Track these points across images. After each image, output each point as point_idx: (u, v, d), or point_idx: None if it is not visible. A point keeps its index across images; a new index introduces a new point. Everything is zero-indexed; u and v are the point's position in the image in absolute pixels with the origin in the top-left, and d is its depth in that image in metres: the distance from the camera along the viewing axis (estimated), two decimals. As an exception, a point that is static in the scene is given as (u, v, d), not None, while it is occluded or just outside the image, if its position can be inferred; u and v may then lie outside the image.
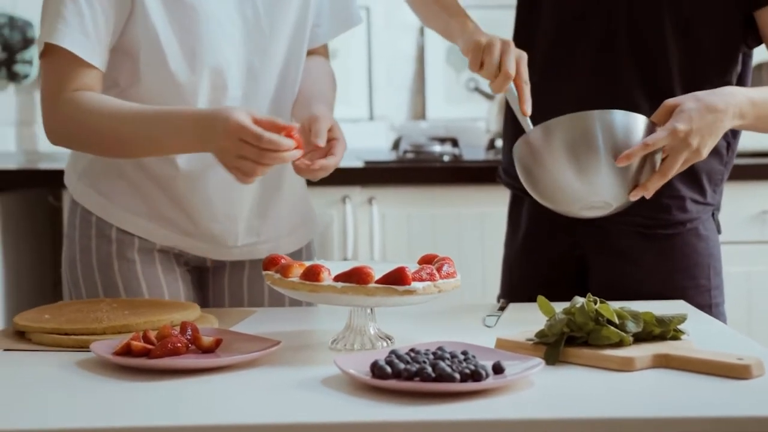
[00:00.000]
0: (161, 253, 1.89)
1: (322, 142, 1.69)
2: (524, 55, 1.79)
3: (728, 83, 1.92)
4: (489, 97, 3.66)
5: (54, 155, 3.70)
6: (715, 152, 1.97)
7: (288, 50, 1.86)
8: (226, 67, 1.80)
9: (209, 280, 1.97)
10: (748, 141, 2.16)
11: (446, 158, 3.32)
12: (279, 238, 1.95)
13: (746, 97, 1.76)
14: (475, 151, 3.57)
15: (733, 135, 1.99)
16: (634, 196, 1.72)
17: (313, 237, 2.04)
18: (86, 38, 1.72)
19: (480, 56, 1.77)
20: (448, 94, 3.86)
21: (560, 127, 1.69)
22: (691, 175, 1.95)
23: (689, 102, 1.71)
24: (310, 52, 1.95)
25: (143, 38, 1.76)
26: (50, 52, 1.74)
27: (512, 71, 1.74)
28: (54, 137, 1.77)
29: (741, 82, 1.97)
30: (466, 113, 3.83)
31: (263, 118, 1.59)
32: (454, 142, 3.47)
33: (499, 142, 3.47)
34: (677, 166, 1.71)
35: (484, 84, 3.73)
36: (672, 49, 1.90)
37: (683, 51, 1.91)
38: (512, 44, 1.79)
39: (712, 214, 2.02)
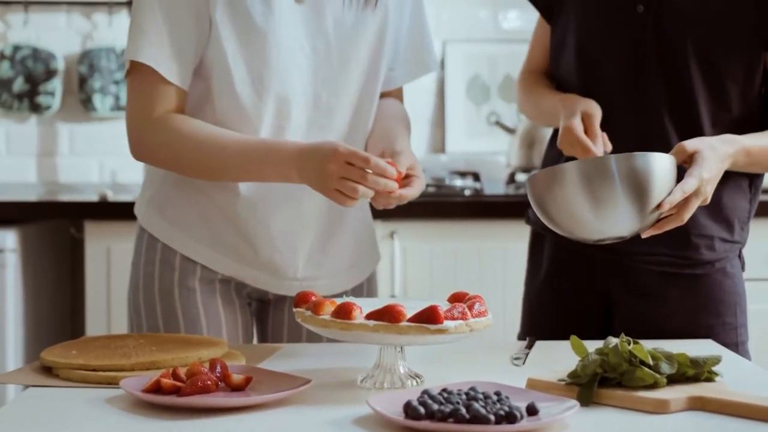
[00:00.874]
0: (222, 283, 1.90)
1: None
2: (593, 116, 1.86)
3: (751, 121, 1.94)
4: (509, 130, 3.66)
5: (75, 186, 3.71)
6: (739, 189, 1.97)
7: (361, 88, 1.88)
8: (292, 96, 1.82)
9: (270, 313, 1.98)
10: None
11: (467, 192, 3.32)
12: (339, 274, 1.95)
13: (743, 147, 1.83)
14: (494, 185, 3.56)
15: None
16: (647, 235, 1.74)
17: (374, 269, 2.04)
18: (169, 57, 1.76)
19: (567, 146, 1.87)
20: (468, 127, 3.86)
21: (577, 167, 1.69)
22: (719, 214, 1.95)
23: (707, 150, 1.75)
24: (384, 95, 1.97)
25: (215, 60, 1.79)
26: (135, 69, 1.79)
27: (597, 150, 1.82)
28: (140, 155, 1.83)
29: (765, 121, 1.97)
30: (486, 147, 3.82)
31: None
32: (476, 176, 3.47)
33: (519, 176, 3.47)
34: (693, 212, 1.74)
35: (505, 118, 3.73)
36: (699, 90, 1.91)
37: (710, 92, 1.92)
38: (575, 124, 1.84)
39: (739, 252, 2.02)
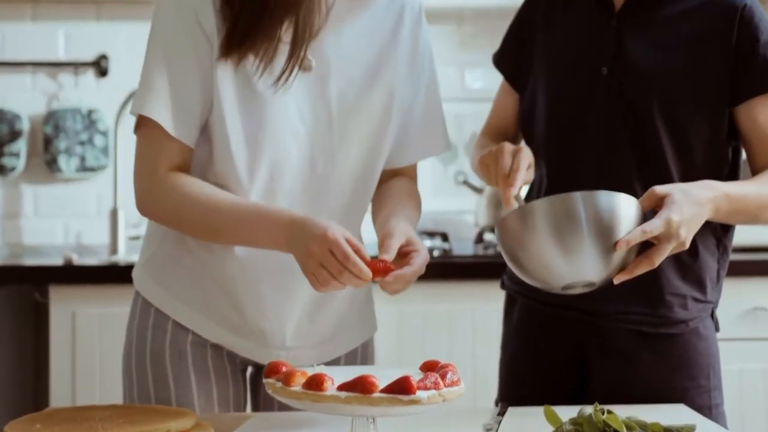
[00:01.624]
0: (214, 348, 1.89)
1: (388, 257, 1.69)
2: (519, 151, 1.81)
3: (720, 176, 1.94)
4: (477, 190, 3.66)
5: (39, 248, 3.67)
6: (706, 249, 1.97)
7: (362, 161, 1.87)
8: (286, 160, 1.81)
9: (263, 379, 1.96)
10: (739, 236, 2.15)
11: (436, 253, 3.31)
12: (327, 343, 1.93)
13: (724, 193, 1.82)
14: (463, 244, 3.56)
15: (723, 230, 2.00)
16: (619, 280, 1.72)
17: (370, 336, 2.02)
18: (173, 113, 1.77)
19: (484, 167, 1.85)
20: (435, 186, 3.86)
21: (543, 206, 1.69)
22: (689, 274, 1.96)
23: (678, 193, 1.75)
24: (396, 173, 1.96)
25: (216, 121, 1.79)
26: (142, 124, 1.80)
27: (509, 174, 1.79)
28: (145, 211, 1.83)
29: (733, 174, 1.98)
30: (454, 206, 3.82)
31: (355, 243, 1.64)
32: (444, 237, 3.46)
33: (487, 236, 3.47)
34: (665, 255, 1.73)
35: (472, 177, 3.74)
36: (668, 149, 1.92)
37: (678, 151, 1.93)
38: (504, 149, 1.82)
39: (711, 312, 2.02)
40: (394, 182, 1.95)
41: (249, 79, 1.78)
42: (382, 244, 1.71)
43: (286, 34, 1.76)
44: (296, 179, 1.83)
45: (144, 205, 1.82)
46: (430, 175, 3.85)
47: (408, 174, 1.99)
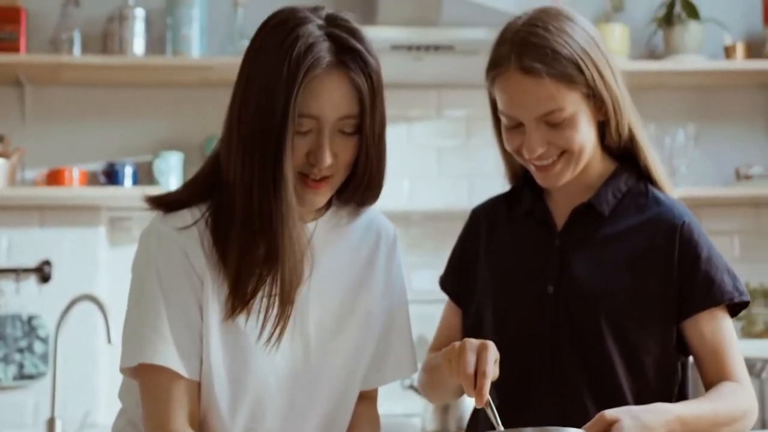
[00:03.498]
0: None
1: None
2: (486, 348, 1.75)
3: (671, 391, 1.93)
4: (424, 394, 3.62)
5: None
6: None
7: (336, 394, 1.83)
8: (268, 399, 1.78)
9: None
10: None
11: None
12: None
13: (676, 416, 1.78)
14: (410, 450, 3.50)
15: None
16: None
17: None
18: (180, 353, 1.71)
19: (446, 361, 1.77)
20: (382, 391, 3.79)
21: None
22: None
23: (627, 419, 1.71)
24: (359, 395, 1.89)
25: (203, 357, 1.75)
26: (147, 371, 1.72)
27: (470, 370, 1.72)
28: None
29: (682, 389, 1.97)
30: (400, 409, 3.78)
31: None
32: (390, 445, 3.39)
33: (435, 441, 3.42)
34: None
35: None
36: (618, 367, 1.91)
37: (629, 368, 1.91)
38: (468, 346, 1.76)
39: None
40: (358, 408, 1.90)
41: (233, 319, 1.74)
42: None
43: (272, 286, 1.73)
44: (276, 418, 1.79)
45: None
46: (377, 379, 3.81)
47: (370, 396, 1.95)
